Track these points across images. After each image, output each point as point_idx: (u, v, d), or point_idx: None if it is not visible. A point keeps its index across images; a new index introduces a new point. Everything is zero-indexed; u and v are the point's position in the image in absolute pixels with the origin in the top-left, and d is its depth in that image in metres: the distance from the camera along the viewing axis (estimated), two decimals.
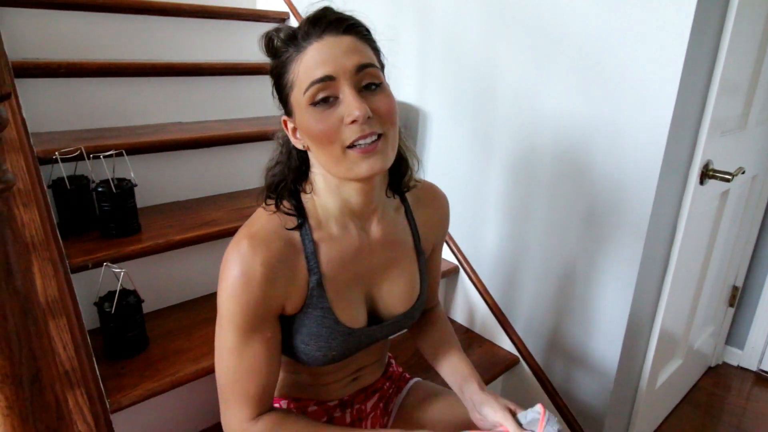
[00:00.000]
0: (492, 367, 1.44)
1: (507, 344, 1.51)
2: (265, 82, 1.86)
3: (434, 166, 1.61)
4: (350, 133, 0.66)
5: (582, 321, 1.33)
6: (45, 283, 0.93)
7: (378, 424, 0.96)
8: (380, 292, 0.85)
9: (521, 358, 1.47)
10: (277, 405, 0.91)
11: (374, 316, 0.85)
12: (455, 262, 1.60)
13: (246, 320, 0.71)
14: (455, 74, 1.47)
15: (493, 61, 1.36)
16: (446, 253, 1.63)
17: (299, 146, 0.74)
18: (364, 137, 0.66)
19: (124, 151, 1.26)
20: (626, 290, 1.22)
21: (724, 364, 2.03)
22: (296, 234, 0.75)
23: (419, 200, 0.90)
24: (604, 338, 1.30)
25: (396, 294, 0.85)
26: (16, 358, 0.45)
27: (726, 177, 1.29)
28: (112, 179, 1.18)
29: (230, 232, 1.26)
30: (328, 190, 0.76)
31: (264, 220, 0.75)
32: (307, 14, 0.69)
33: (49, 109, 1.41)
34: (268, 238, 0.72)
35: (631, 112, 1.13)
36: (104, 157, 1.22)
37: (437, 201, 0.93)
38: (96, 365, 0.94)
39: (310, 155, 0.76)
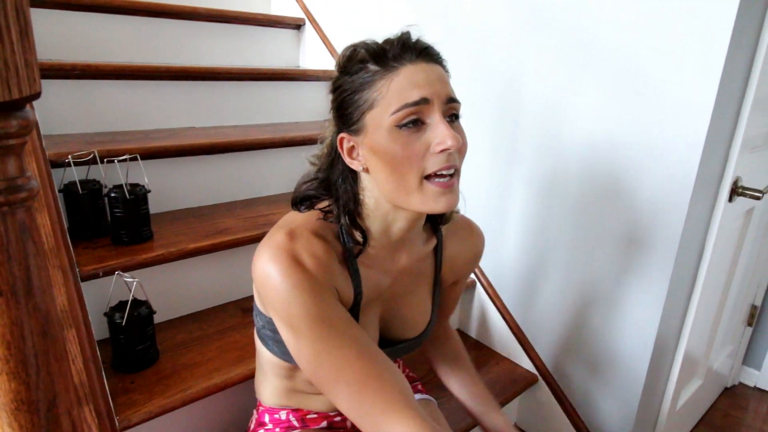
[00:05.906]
0: (511, 386, 1.39)
1: (525, 362, 1.46)
2: (280, 89, 1.84)
3: None
4: (435, 162, 0.64)
5: (606, 341, 1.29)
6: (55, 292, 0.90)
7: None
8: (394, 317, 0.85)
9: (540, 377, 1.43)
10: (276, 416, 0.88)
11: (384, 338, 0.85)
12: (472, 276, 1.55)
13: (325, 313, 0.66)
14: (480, 85, 1.43)
15: (521, 71, 1.32)
16: None
17: (356, 167, 0.70)
18: (447, 168, 0.65)
19: (138, 156, 1.22)
20: (654, 310, 1.18)
21: (741, 384, 1.97)
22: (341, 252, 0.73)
23: (454, 234, 0.88)
24: (630, 359, 1.25)
25: (409, 320, 0.86)
26: (34, 382, 0.41)
27: (756, 194, 1.25)
28: (126, 185, 1.15)
29: (244, 241, 1.22)
30: (375, 214, 0.73)
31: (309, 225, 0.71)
32: (393, 36, 0.67)
33: (62, 110, 1.38)
34: (322, 246, 0.69)
35: (664, 127, 1.09)
36: (118, 161, 1.19)
37: (473, 238, 0.91)
38: (105, 380, 0.90)
39: (365, 178, 0.71)
